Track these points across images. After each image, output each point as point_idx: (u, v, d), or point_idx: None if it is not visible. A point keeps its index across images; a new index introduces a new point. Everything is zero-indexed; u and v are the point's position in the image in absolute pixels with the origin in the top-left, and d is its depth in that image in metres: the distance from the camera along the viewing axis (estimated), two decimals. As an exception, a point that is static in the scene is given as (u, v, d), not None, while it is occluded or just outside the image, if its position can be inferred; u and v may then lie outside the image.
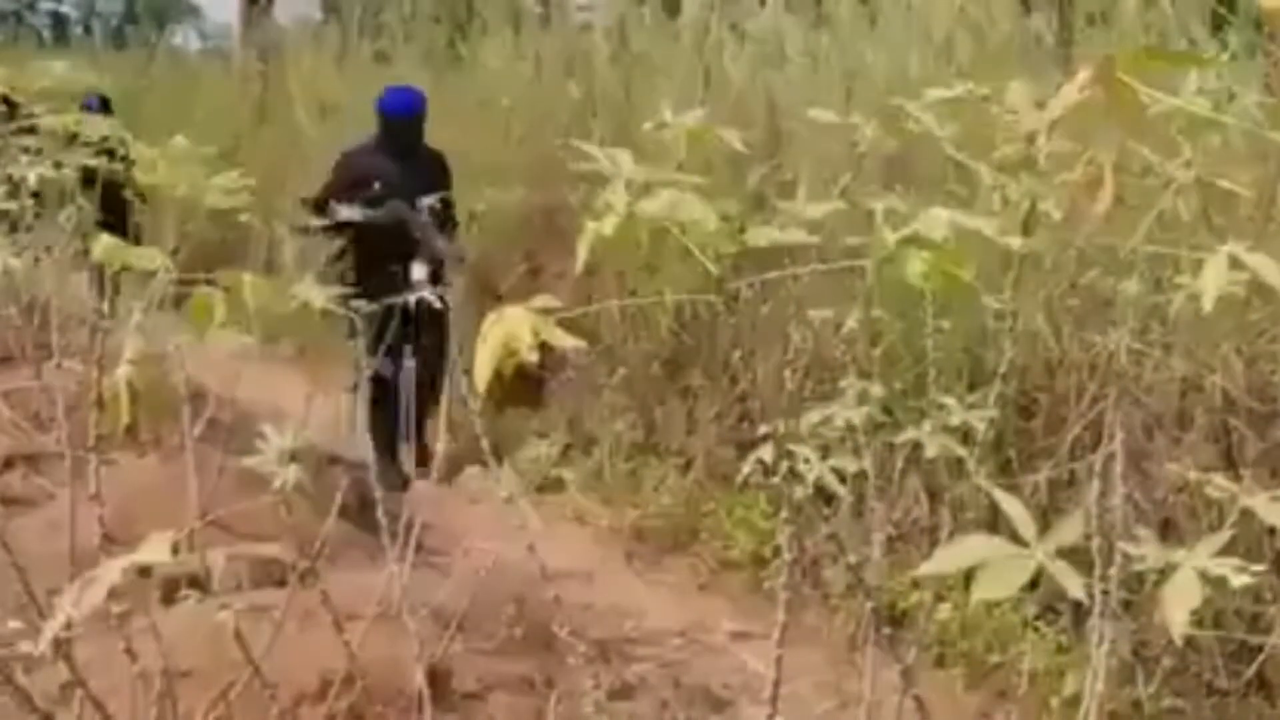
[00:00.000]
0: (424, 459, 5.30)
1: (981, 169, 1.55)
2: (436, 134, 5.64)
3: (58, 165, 2.34)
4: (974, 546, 1.03)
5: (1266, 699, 3.27)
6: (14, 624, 2.14)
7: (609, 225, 1.18)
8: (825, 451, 1.85)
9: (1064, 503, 3.69)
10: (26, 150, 2.49)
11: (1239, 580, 1.03)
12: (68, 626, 1.03)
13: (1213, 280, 1.08)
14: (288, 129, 8.58)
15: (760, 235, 1.33)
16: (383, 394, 4.90)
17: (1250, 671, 3.26)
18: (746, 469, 1.88)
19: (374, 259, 5.22)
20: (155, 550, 0.94)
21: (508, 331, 1.18)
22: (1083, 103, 0.99)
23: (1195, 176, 1.47)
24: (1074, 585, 0.98)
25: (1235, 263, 1.08)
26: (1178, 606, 1.00)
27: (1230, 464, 3.49)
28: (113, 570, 0.94)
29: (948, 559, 1.05)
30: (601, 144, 1.37)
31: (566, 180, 5.64)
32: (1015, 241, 1.41)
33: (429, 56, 8.34)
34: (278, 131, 8.63)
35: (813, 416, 1.89)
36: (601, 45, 6.96)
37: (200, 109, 9.92)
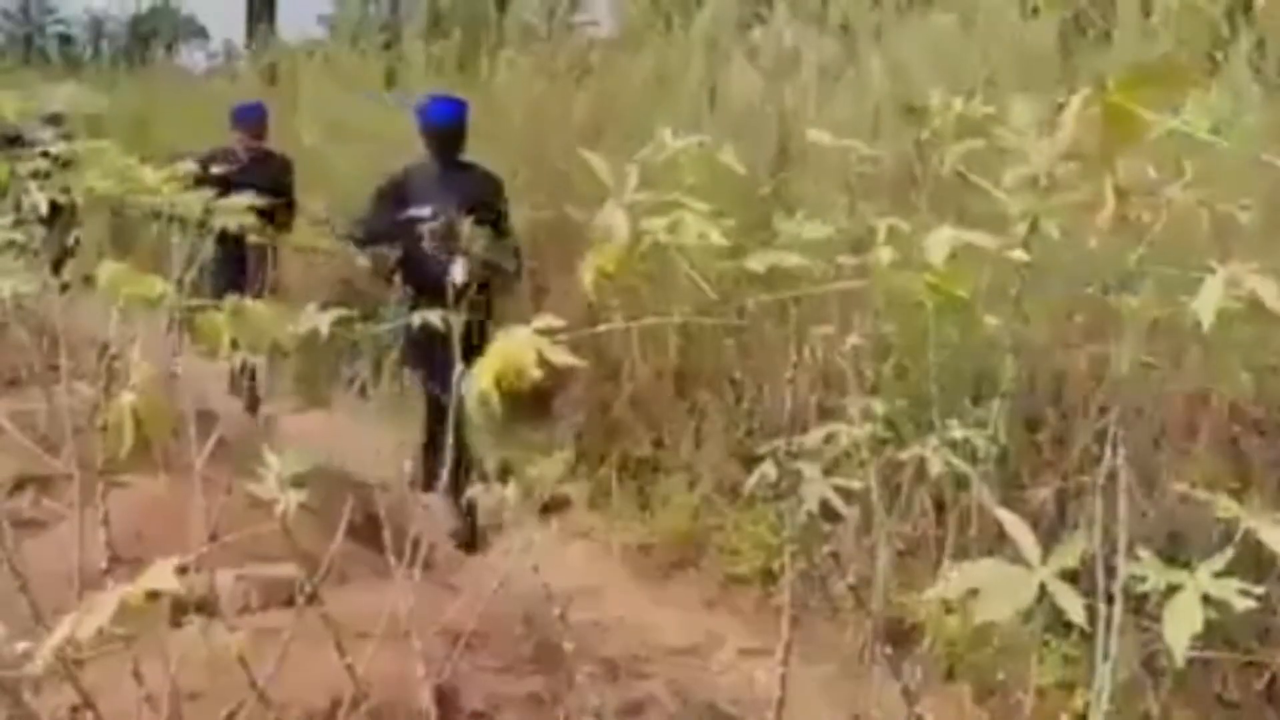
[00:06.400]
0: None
1: (988, 186, 1.55)
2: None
3: (65, 190, 2.35)
4: (979, 569, 1.03)
5: (1278, 712, 3.25)
6: (22, 645, 2.15)
7: (611, 257, 1.19)
8: (832, 467, 1.85)
9: (1072, 516, 3.68)
10: (35, 175, 2.51)
11: (1242, 604, 1.03)
12: (70, 649, 1.03)
13: (1209, 300, 1.08)
14: (295, 147, 8.59)
15: (757, 261, 1.33)
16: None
17: (1261, 684, 3.24)
18: (752, 484, 1.88)
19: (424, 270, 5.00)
20: (160, 578, 0.94)
21: (510, 351, 1.19)
22: (1084, 123, 1.00)
23: (1195, 196, 1.47)
24: (1074, 607, 0.97)
25: (1235, 282, 1.08)
26: (1178, 630, 1.00)
27: (1239, 475, 3.48)
28: (112, 599, 0.95)
29: (953, 584, 1.05)
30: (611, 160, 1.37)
31: (575, 197, 5.63)
32: (1019, 256, 1.40)
33: (440, 73, 8.35)
34: (285, 149, 8.64)
35: (818, 433, 1.89)
36: (615, 58, 6.95)
37: (207, 129, 9.95)
